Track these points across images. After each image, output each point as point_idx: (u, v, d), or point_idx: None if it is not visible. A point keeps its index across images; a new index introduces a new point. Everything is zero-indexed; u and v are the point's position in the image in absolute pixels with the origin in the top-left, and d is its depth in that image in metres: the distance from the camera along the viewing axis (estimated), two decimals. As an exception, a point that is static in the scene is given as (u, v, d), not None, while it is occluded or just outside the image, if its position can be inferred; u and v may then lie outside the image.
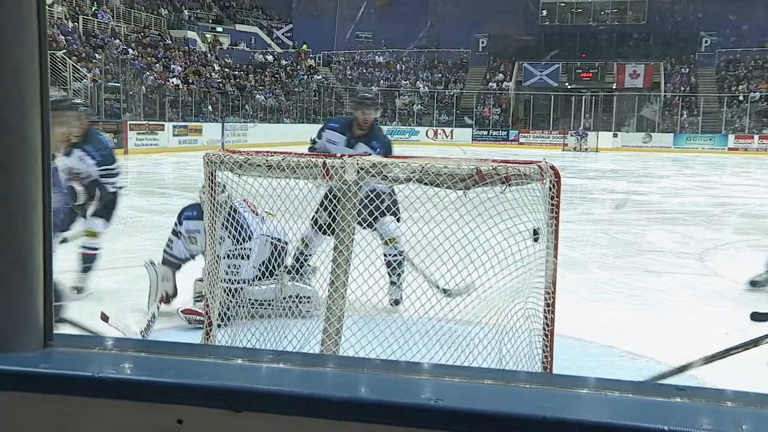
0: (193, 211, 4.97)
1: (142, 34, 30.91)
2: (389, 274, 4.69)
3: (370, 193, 3.48)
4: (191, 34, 35.41)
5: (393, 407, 0.87)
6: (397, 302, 4.57)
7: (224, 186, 4.17)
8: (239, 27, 39.89)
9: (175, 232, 5.02)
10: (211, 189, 3.38)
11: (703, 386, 2.91)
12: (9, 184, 0.93)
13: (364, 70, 41.36)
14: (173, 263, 5.00)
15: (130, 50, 27.98)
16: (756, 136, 33.50)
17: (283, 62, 39.21)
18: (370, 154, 4.76)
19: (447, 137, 35.80)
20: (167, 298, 4.91)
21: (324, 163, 2.83)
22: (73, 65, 22.78)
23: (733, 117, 35.71)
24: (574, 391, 0.92)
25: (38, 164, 0.95)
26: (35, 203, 0.95)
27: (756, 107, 35.24)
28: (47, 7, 23.13)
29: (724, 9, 37.81)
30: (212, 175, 3.34)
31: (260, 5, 43.22)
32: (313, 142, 5.57)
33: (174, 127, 24.94)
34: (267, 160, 3.02)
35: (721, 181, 19.01)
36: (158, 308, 4.64)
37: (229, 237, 3.97)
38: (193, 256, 5.00)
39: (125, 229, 8.30)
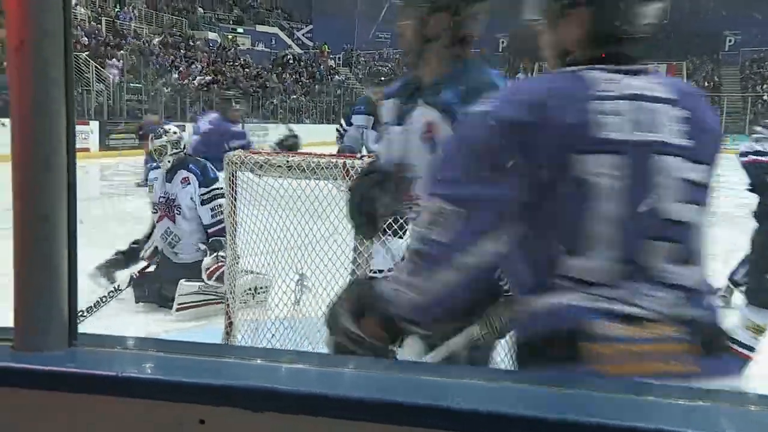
0: (155, 162, 5.43)
1: (164, 35, 31.11)
2: None
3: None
4: (212, 35, 35.54)
5: (413, 408, 0.87)
6: None
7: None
8: (260, 28, 39.95)
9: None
10: (232, 190, 3.39)
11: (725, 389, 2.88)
12: (34, 186, 0.94)
13: (385, 70, 41.36)
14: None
15: (151, 51, 28.18)
16: (781, 137, 33.12)
17: (304, 58, 39.21)
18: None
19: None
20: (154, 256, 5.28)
21: (344, 163, 2.84)
22: (96, 66, 22.95)
23: (758, 117, 35.30)
24: (589, 393, 0.92)
25: (63, 166, 0.96)
26: (60, 204, 0.96)
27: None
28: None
29: (748, 8, 37.38)
30: (233, 176, 3.35)
31: (281, 6, 43.32)
32: (341, 134, 5.50)
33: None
34: (287, 161, 3.03)
35: (745, 182, 18.74)
36: (110, 297, 4.77)
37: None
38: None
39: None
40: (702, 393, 0.92)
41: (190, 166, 5.23)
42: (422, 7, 1.87)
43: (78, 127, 20.95)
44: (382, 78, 35.31)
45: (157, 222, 5.33)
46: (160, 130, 5.36)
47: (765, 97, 35.62)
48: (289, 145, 5.42)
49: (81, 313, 4.55)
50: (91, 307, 4.65)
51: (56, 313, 0.97)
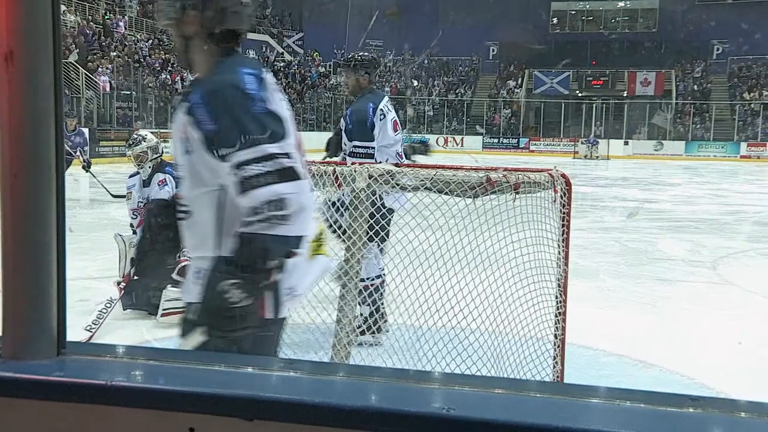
0: (134, 174, 5.53)
1: (153, 38, 31.07)
2: (377, 299, 4.30)
3: (375, 213, 3.46)
4: None
5: (404, 416, 0.87)
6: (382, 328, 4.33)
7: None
8: (250, 35, 39.92)
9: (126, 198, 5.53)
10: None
11: (716, 396, 2.90)
12: (23, 194, 0.94)
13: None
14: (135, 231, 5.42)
15: (141, 53, 28.11)
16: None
17: (295, 64, 39.28)
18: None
19: (457, 145, 35.79)
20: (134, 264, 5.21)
21: (334, 170, 2.85)
22: (85, 74, 22.85)
23: (746, 125, 35.56)
24: (585, 401, 0.92)
25: (52, 174, 0.96)
26: (49, 213, 0.96)
27: (768, 115, 35.10)
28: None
29: (736, 17, 37.72)
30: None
31: (271, 14, 43.42)
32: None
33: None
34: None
35: (733, 189, 18.89)
36: (108, 309, 4.73)
37: None
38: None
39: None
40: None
41: (167, 168, 5.36)
42: (174, 6, 1.84)
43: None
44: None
45: (137, 227, 5.38)
46: (137, 137, 5.46)
47: (752, 106, 35.88)
48: (421, 150, 5.31)
49: (89, 327, 4.55)
50: (96, 319, 4.63)
51: (45, 321, 0.97)
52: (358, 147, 4.53)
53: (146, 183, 5.37)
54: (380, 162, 4.32)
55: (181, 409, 0.90)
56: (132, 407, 0.91)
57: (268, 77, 1.85)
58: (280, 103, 1.81)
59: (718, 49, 39.37)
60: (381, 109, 4.60)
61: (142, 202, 5.33)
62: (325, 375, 1.02)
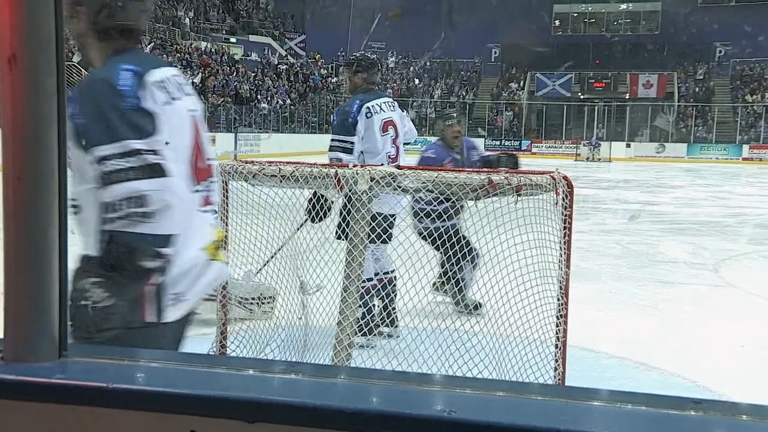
0: None
1: (157, 41, 31.22)
2: (387, 295, 4.39)
3: (377, 215, 3.47)
4: (205, 45, 35.63)
5: (405, 419, 0.87)
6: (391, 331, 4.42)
7: None
8: (252, 38, 40.04)
9: None
10: (224, 198, 3.40)
11: (718, 399, 2.90)
12: (25, 197, 0.94)
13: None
14: None
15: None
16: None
17: (298, 66, 39.27)
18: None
19: (459, 147, 35.81)
20: None
21: (336, 173, 2.85)
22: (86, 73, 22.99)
23: (748, 127, 35.55)
24: (587, 404, 0.92)
25: (55, 177, 0.96)
26: (51, 216, 0.96)
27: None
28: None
29: (739, 19, 37.75)
30: (225, 185, 3.36)
31: (274, 16, 43.43)
32: None
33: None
34: (280, 170, 3.04)
35: (735, 191, 18.91)
36: None
37: None
38: None
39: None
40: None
41: None
42: (67, 3, 1.81)
43: None
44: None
45: None
46: None
47: (755, 108, 35.87)
48: (508, 163, 5.11)
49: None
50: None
51: (46, 323, 0.97)
52: (335, 141, 4.53)
53: None
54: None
55: (182, 411, 0.90)
56: (133, 409, 0.91)
57: (160, 74, 1.83)
58: (169, 101, 1.80)
59: (720, 52, 39.37)
60: (369, 107, 4.57)
61: None
62: (325, 377, 1.02)
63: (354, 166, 3.02)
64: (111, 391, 0.91)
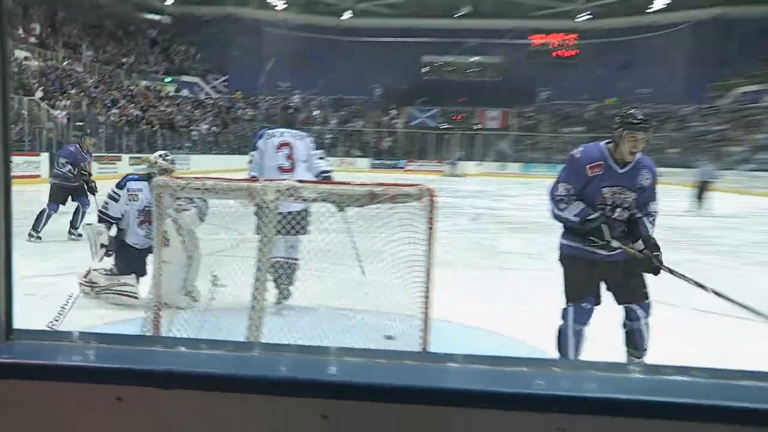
0: (135, 176, 5.38)
1: (105, 80, 29.98)
2: (285, 275, 4.71)
3: (291, 212, 3.43)
4: (144, 83, 34.62)
5: (306, 383, 0.86)
6: (286, 297, 4.71)
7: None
8: (184, 78, 39.16)
9: (112, 197, 5.22)
10: (159, 206, 3.26)
11: (542, 357, 3.01)
12: None
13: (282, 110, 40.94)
14: (108, 221, 5.18)
15: (93, 94, 26.99)
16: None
17: (220, 103, 38.80)
18: None
19: (351, 166, 35.78)
20: (107, 249, 5.06)
21: (248, 186, 2.78)
22: (46, 108, 22.01)
23: (564, 151, 37.40)
24: (445, 365, 0.94)
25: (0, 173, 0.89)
26: None
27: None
28: (24, 60, 21.67)
29: (554, 72, 40.06)
30: (159, 197, 3.23)
31: (201, 59, 42.34)
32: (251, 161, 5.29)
33: (130, 157, 23.96)
34: (203, 184, 2.95)
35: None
36: (68, 305, 4.40)
37: None
38: (122, 216, 5.19)
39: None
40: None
41: None
42: None
43: (30, 158, 19.67)
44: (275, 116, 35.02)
45: (139, 225, 5.20)
46: (169, 158, 5.45)
47: (566, 137, 37.76)
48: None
49: (52, 324, 4.08)
50: (57, 315, 4.19)
51: None
52: (250, 158, 5.11)
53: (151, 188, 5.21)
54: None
55: (110, 382, 0.87)
56: (69, 382, 0.88)
57: None
58: None
59: (543, 95, 41.39)
60: (269, 133, 5.11)
61: (148, 207, 5.06)
62: (242, 351, 1.00)
63: (262, 179, 2.97)
64: (50, 367, 0.88)
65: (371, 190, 2.68)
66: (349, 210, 3.09)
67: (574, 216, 3.18)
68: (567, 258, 3.34)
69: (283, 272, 4.72)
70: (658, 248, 3.15)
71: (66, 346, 0.97)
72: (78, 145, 8.14)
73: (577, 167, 3.25)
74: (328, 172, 5.22)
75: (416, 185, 2.95)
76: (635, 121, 3.06)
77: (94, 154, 9.67)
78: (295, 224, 3.46)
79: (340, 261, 4.15)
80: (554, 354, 3.52)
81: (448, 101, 40.79)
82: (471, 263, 7.51)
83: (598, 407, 0.80)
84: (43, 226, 7.72)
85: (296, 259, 4.77)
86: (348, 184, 2.84)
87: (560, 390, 0.84)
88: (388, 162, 37.10)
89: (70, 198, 8.10)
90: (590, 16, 40.95)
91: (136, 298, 4.80)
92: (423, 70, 44.33)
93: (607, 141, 3.26)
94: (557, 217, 3.27)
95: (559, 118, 39.77)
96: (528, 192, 22.82)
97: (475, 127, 39.66)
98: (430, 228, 2.96)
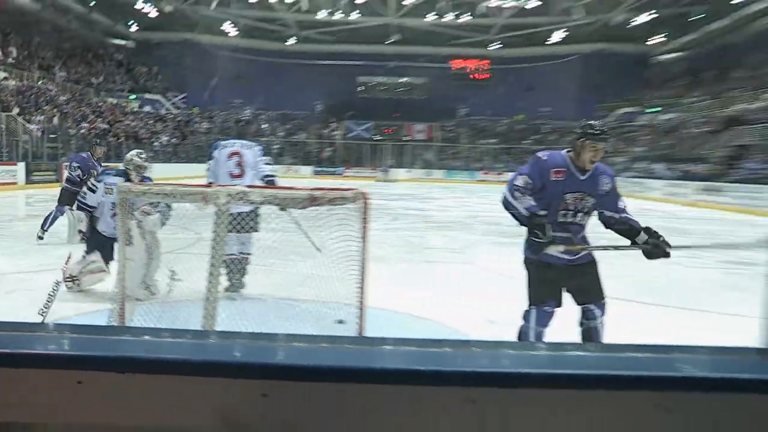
0: (112, 172, 5.33)
1: (75, 97, 28.80)
2: (237, 270, 4.74)
3: (241, 213, 3.36)
4: (111, 100, 33.57)
5: (255, 367, 0.84)
6: (240, 287, 4.69)
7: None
8: (146, 95, 38.08)
9: (90, 188, 5.17)
10: (123, 209, 3.11)
11: (463, 338, 3.07)
12: None
13: (235, 124, 40.09)
14: (86, 209, 5.13)
15: (65, 110, 25.79)
16: (495, 172, 35.79)
17: (179, 118, 37.95)
18: None
19: (296, 173, 35.37)
20: (83, 235, 5.08)
21: (202, 191, 2.70)
22: (22, 122, 20.94)
23: (479, 160, 38.26)
24: (379, 348, 0.94)
25: None
26: None
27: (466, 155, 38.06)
28: (3, 80, 20.32)
29: (471, 92, 41.11)
30: (124, 201, 3.10)
31: (162, 79, 41.09)
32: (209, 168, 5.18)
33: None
34: (163, 189, 2.86)
35: (472, 201, 20.16)
36: (55, 291, 4.15)
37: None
38: (97, 206, 5.11)
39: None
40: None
41: (146, 179, 5.27)
42: None
43: (8, 167, 18.72)
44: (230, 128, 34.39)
45: (112, 216, 4.97)
46: (145, 157, 5.34)
47: (477, 148, 38.66)
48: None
49: (42, 311, 3.79)
50: (46, 303, 3.90)
51: None
52: (208, 164, 5.10)
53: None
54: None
55: (72, 368, 0.84)
56: (34, 368, 0.84)
57: None
58: None
59: (462, 111, 42.29)
60: (222, 144, 5.14)
61: None
62: (199, 339, 0.97)
63: (216, 185, 2.89)
64: (16, 356, 0.85)
65: (311, 194, 2.65)
66: (294, 211, 3.06)
67: (525, 208, 2.93)
68: (531, 263, 3.09)
69: (236, 267, 4.72)
70: (659, 234, 2.97)
71: (31, 336, 0.94)
72: (90, 153, 7.89)
73: (541, 168, 3.02)
74: (271, 176, 5.15)
75: (352, 189, 2.95)
76: (596, 132, 2.95)
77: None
78: (245, 224, 3.44)
79: (285, 257, 4.10)
80: (472, 335, 3.57)
81: (381, 116, 41.02)
82: (401, 258, 7.54)
83: (507, 380, 0.82)
84: (49, 226, 7.50)
85: (249, 254, 4.82)
86: (291, 188, 2.80)
87: (477, 367, 0.85)
88: (329, 169, 36.89)
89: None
90: (500, 46, 42.11)
91: (106, 271, 4.82)
92: (358, 89, 44.43)
93: (567, 150, 3.10)
94: (507, 205, 2.99)
95: (476, 131, 40.71)
96: (450, 195, 23.15)
97: (404, 138, 40.03)
98: (365, 227, 2.97)
